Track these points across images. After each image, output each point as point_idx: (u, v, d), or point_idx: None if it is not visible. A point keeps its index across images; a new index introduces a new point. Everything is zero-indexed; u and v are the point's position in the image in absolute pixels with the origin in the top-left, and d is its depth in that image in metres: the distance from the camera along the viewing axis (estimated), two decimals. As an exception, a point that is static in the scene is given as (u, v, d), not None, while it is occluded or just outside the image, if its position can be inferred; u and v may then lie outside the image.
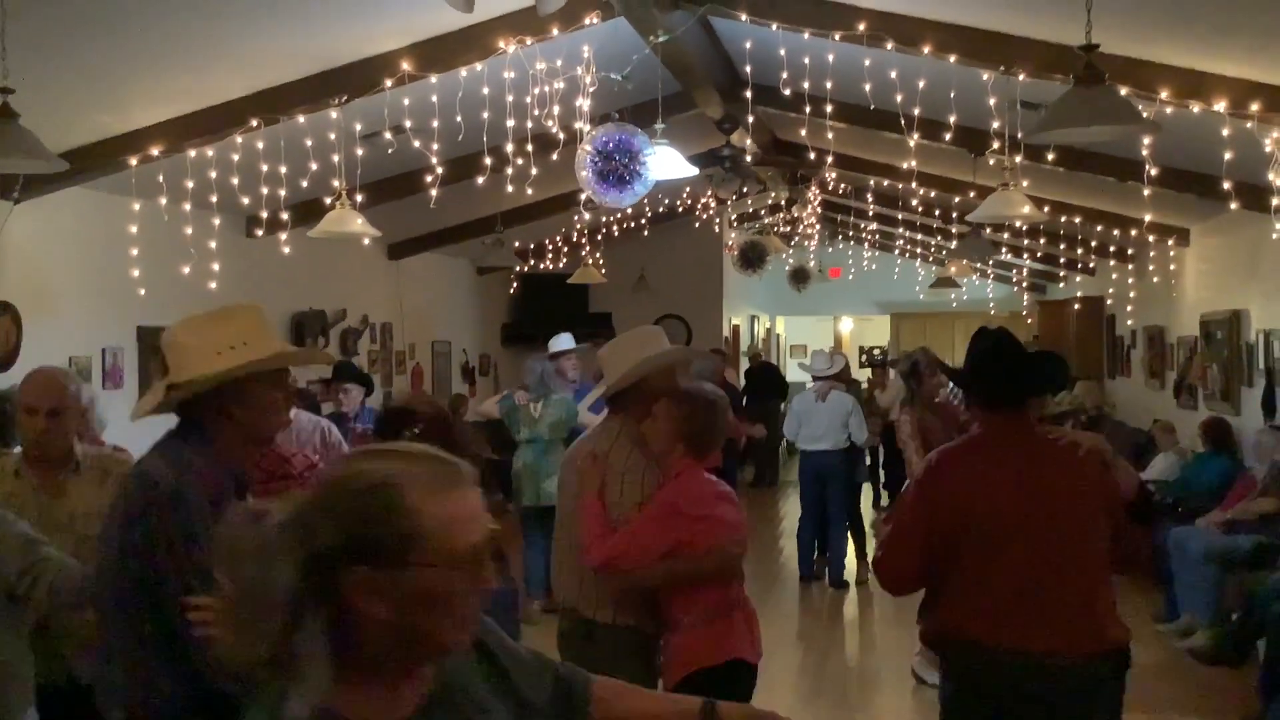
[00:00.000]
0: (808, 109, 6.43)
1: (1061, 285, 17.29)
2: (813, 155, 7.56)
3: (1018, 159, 6.73)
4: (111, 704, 2.74)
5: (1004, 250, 14.09)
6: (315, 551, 1.53)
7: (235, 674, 1.56)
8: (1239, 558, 7.41)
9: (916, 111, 6.20)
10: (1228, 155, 5.82)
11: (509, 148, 6.08)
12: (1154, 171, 6.39)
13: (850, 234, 17.73)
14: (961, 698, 3.40)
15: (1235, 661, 6.83)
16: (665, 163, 6.08)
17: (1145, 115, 4.36)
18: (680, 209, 12.81)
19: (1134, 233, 10.86)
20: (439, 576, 1.56)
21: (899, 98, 6.19)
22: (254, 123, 6.24)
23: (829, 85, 6.42)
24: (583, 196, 6.74)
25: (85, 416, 4.06)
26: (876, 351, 22.18)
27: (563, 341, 9.01)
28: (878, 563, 3.61)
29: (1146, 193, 6.87)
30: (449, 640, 1.63)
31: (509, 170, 6.31)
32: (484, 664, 1.82)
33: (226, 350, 2.88)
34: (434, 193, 6.84)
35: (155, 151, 6.39)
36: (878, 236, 17.28)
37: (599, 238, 13.02)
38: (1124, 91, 4.97)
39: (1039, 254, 13.63)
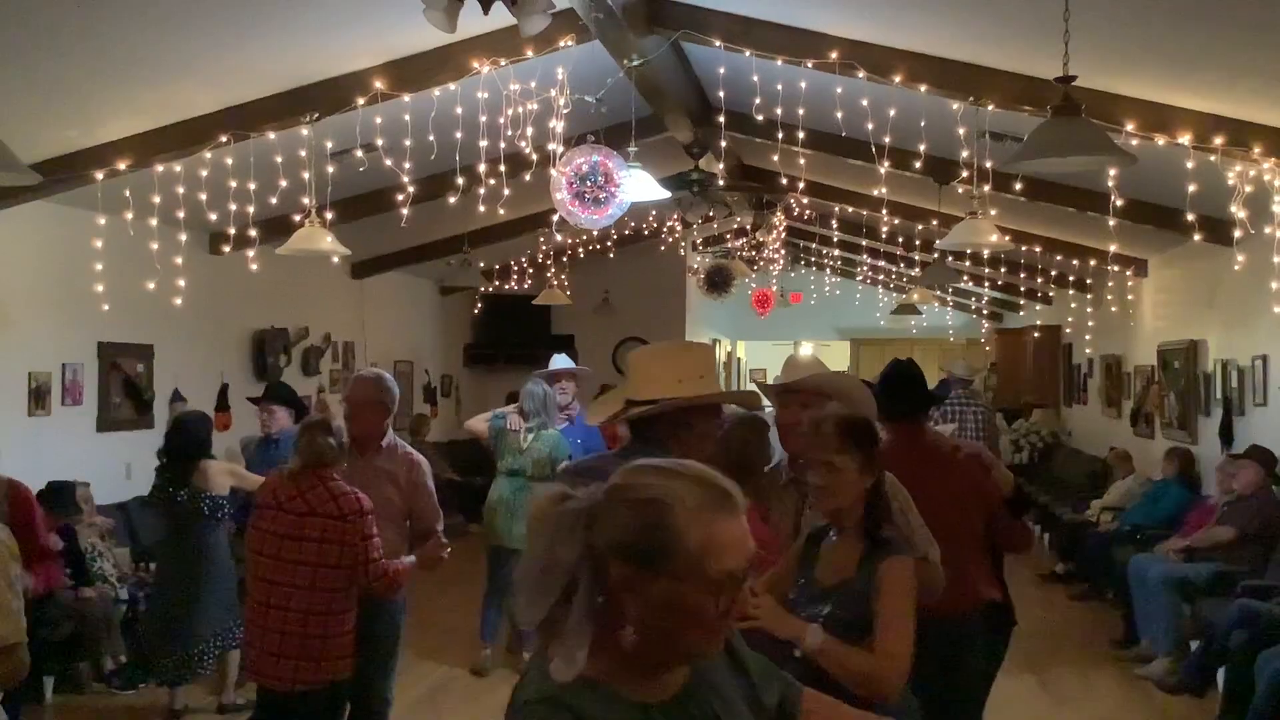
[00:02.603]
0: (779, 135, 6.48)
1: (1020, 314, 17.48)
2: (784, 180, 7.60)
3: (986, 188, 6.81)
4: None
5: (965, 278, 14.24)
6: (593, 541, 1.71)
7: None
8: (1198, 586, 7.49)
9: (887, 140, 6.26)
10: (1191, 188, 5.93)
11: (481, 167, 6.06)
12: (1119, 203, 6.48)
13: (813, 260, 17.83)
14: None
15: (1197, 691, 6.89)
16: (639, 185, 6.09)
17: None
18: (646, 232, 12.84)
19: (1093, 263, 11.02)
20: (688, 592, 1.68)
21: (870, 126, 6.25)
22: (224, 139, 6.20)
23: (800, 112, 6.47)
24: (554, 218, 6.74)
25: None
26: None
27: (560, 361, 8.25)
28: None
29: (1112, 223, 6.96)
30: (697, 648, 1.75)
31: (481, 190, 6.29)
32: (731, 661, 1.95)
33: (688, 380, 3.14)
34: (405, 211, 6.81)
35: (122, 166, 6.33)
36: (840, 262, 17.39)
37: (564, 259, 13.02)
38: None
39: (999, 282, 13.78)
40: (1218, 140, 5.62)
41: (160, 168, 6.47)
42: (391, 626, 5.13)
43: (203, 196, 6.56)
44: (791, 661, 2.78)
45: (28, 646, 3.08)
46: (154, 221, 6.62)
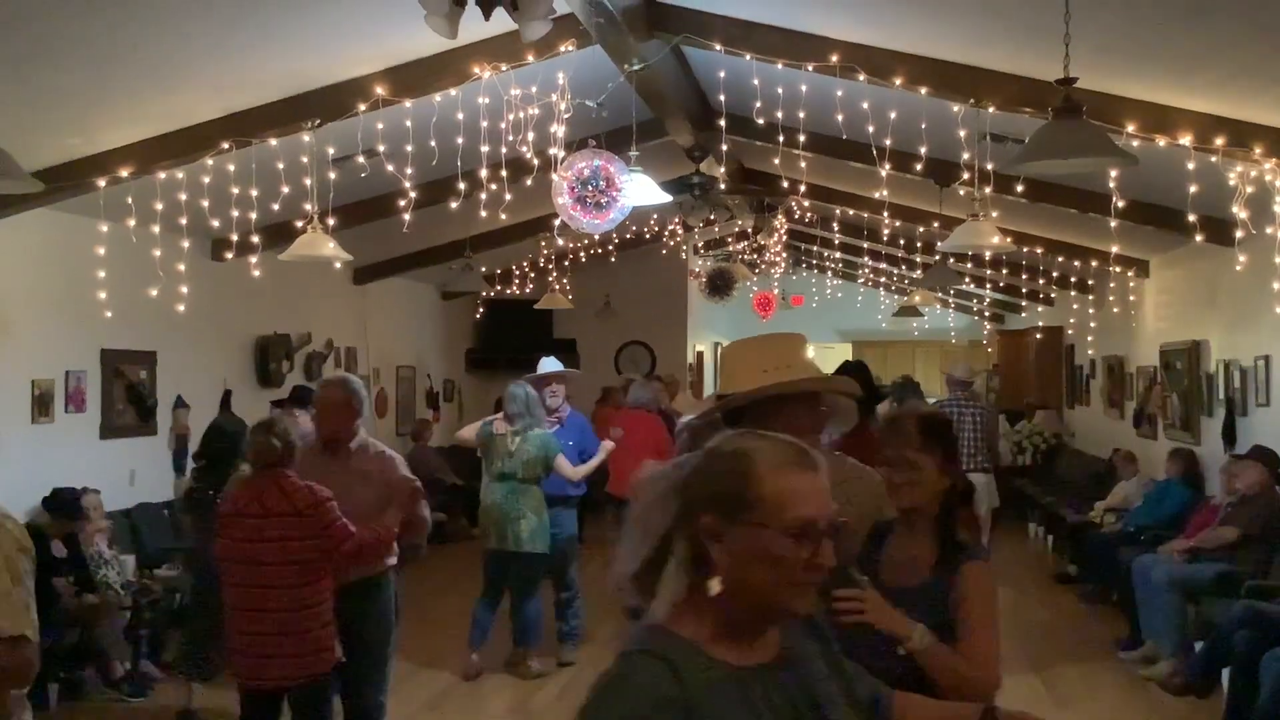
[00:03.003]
0: (780, 138, 6.48)
1: (1022, 315, 17.47)
2: (785, 184, 7.61)
3: (987, 190, 6.81)
4: None
5: (967, 280, 14.24)
6: (687, 499, 1.86)
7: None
8: (1202, 586, 7.49)
9: (888, 142, 6.27)
10: (1193, 189, 5.93)
11: (483, 173, 6.07)
12: (1121, 204, 6.49)
13: (814, 262, 17.85)
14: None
15: (1202, 692, 6.88)
16: (641, 189, 6.10)
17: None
18: (647, 235, 12.85)
19: (1094, 264, 11.02)
20: (769, 538, 1.81)
21: (871, 128, 6.26)
22: (226, 145, 6.20)
23: (801, 115, 6.48)
24: (556, 222, 6.74)
25: None
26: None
27: (548, 364, 8.18)
28: None
29: (1113, 224, 6.97)
30: (785, 603, 1.85)
31: (482, 195, 6.30)
32: (824, 649, 2.05)
33: (772, 370, 3.12)
34: (406, 217, 6.82)
35: (124, 173, 6.34)
36: (841, 265, 17.40)
37: (566, 263, 13.03)
38: (1093, 125, 5.06)
39: (1000, 284, 13.78)
40: (1219, 141, 5.63)
41: (162, 175, 6.48)
42: (379, 629, 5.18)
43: (205, 203, 6.58)
44: (893, 659, 2.76)
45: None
46: (156, 228, 6.63)
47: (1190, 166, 5.84)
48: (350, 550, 4.69)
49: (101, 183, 6.35)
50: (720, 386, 3.22)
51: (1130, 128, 5.63)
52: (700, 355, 18.40)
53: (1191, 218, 6.44)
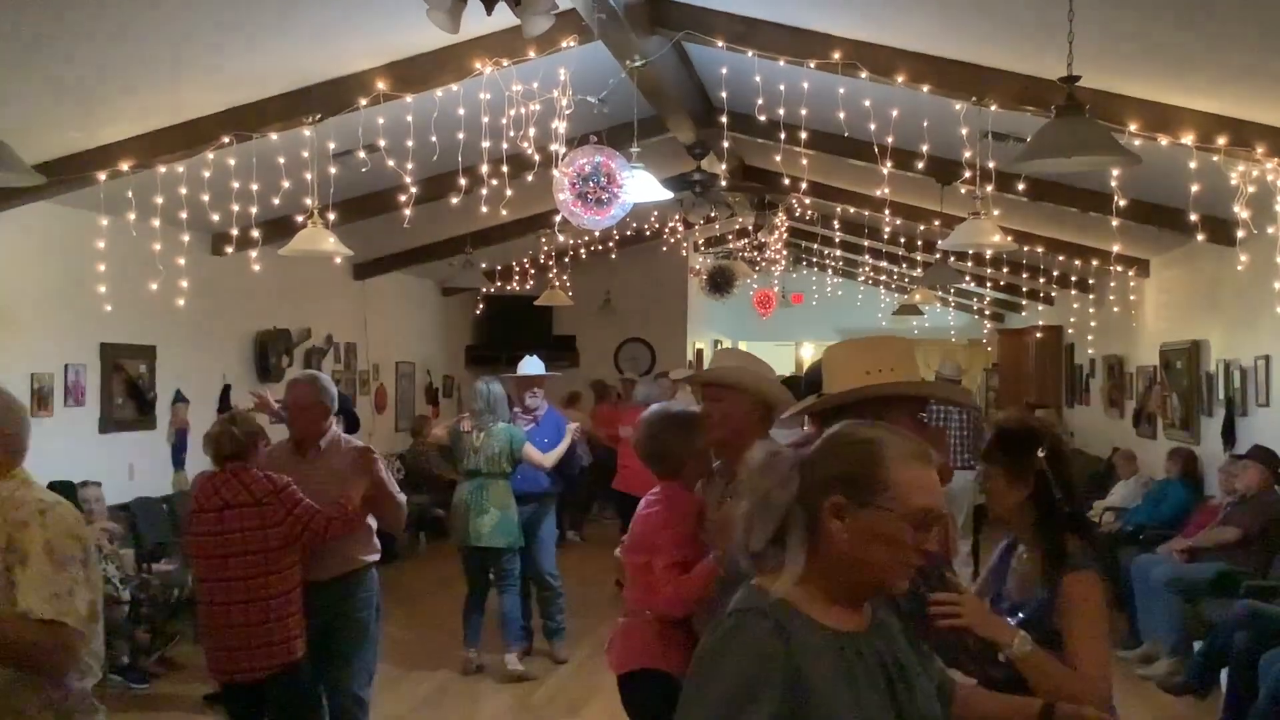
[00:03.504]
0: (782, 136, 6.47)
1: (1022, 314, 17.47)
2: (786, 181, 7.60)
3: (988, 188, 6.80)
4: None
5: (967, 279, 14.23)
6: (809, 481, 2.05)
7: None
8: (1201, 586, 7.48)
9: (889, 140, 6.25)
10: (1194, 188, 5.92)
11: (484, 168, 6.06)
12: (1122, 203, 6.48)
13: (815, 260, 17.84)
14: None
15: (1200, 691, 6.87)
16: (642, 186, 6.09)
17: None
18: (648, 232, 12.83)
19: (1095, 263, 11.01)
20: (891, 521, 2.00)
21: (872, 126, 6.25)
22: (226, 140, 6.20)
23: (803, 113, 6.47)
24: (557, 218, 6.74)
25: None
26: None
27: (530, 365, 8.08)
28: None
29: (1115, 223, 6.96)
30: (888, 579, 2.05)
31: (483, 191, 6.29)
32: (903, 625, 2.24)
33: (875, 372, 3.15)
34: (407, 212, 6.81)
35: (125, 167, 6.33)
36: (842, 263, 17.39)
37: (566, 260, 13.02)
38: (1096, 124, 5.05)
39: (1001, 283, 13.77)
40: (1220, 140, 5.62)
41: (163, 169, 6.47)
42: (358, 624, 5.11)
43: (205, 197, 6.57)
44: (993, 664, 2.79)
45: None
46: (156, 222, 6.63)
47: (1192, 166, 5.84)
48: (319, 528, 4.67)
49: (102, 176, 6.34)
50: (824, 387, 3.26)
51: (1132, 126, 5.63)
52: (700, 353, 18.39)
53: (1193, 217, 6.43)
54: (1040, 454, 3.03)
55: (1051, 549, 2.99)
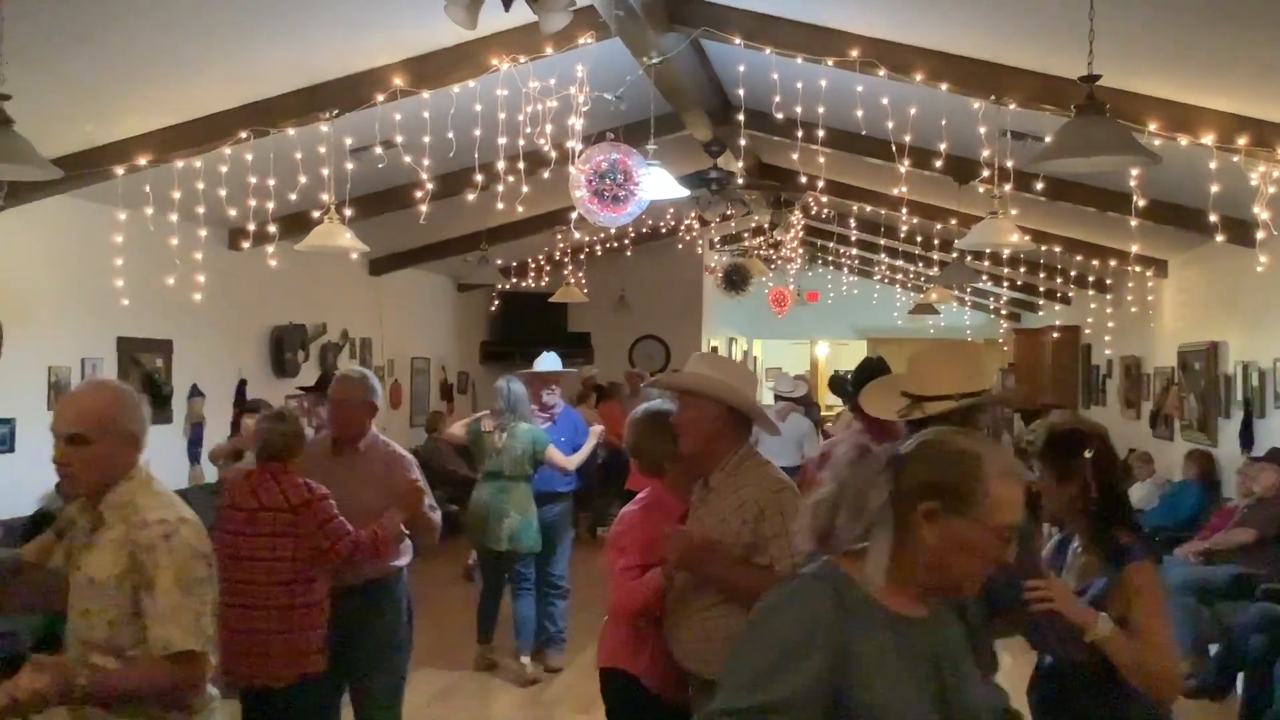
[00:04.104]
0: (799, 134, 6.45)
1: (1039, 314, 17.39)
2: (803, 179, 7.58)
3: (1006, 187, 6.77)
4: None
5: (984, 278, 14.17)
6: (902, 485, 2.13)
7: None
8: (1217, 589, 7.44)
9: (907, 138, 6.23)
10: (1214, 189, 5.88)
11: (500, 165, 6.06)
12: (1141, 203, 6.44)
13: (830, 259, 17.79)
14: None
15: (1216, 694, 6.84)
16: (658, 183, 6.08)
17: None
18: (663, 230, 12.82)
19: (1113, 263, 10.96)
20: (979, 533, 2.08)
21: (890, 124, 6.23)
22: (244, 135, 6.21)
23: (821, 111, 6.45)
24: (573, 215, 6.73)
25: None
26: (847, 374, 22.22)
27: (547, 361, 7.94)
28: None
29: (1134, 224, 6.92)
30: (964, 585, 2.15)
31: (499, 187, 6.29)
32: (966, 631, 2.32)
33: (964, 380, 3.37)
34: (424, 208, 6.81)
35: (142, 161, 6.34)
36: (858, 262, 17.35)
37: (581, 257, 13.01)
38: (1115, 123, 5.02)
39: (1018, 282, 13.71)
40: (1241, 141, 5.58)
41: (180, 163, 6.48)
42: (388, 635, 4.94)
43: (222, 192, 6.58)
44: (1080, 646, 3.03)
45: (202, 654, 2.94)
46: (174, 217, 6.64)
47: (1212, 166, 5.80)
48: (344, 551, 4.48)
49: (120, 171, 6.36)
50: (915, 388, 3.44)
51: (1152, 126, 5.59)
52: (715, 350, 18.37)
53: (1212, 218, 6.38)
54: (1087, 455, 3.20)
55: (1105, 543, 3.18)
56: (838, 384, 7.45)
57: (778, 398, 10.62)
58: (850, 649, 2.05)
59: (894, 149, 6.31)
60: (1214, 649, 7.13)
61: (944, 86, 5.82)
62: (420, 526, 4.87)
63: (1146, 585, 3.08)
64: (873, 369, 4.99)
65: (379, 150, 6.40)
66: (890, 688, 2.06)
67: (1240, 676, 6.57)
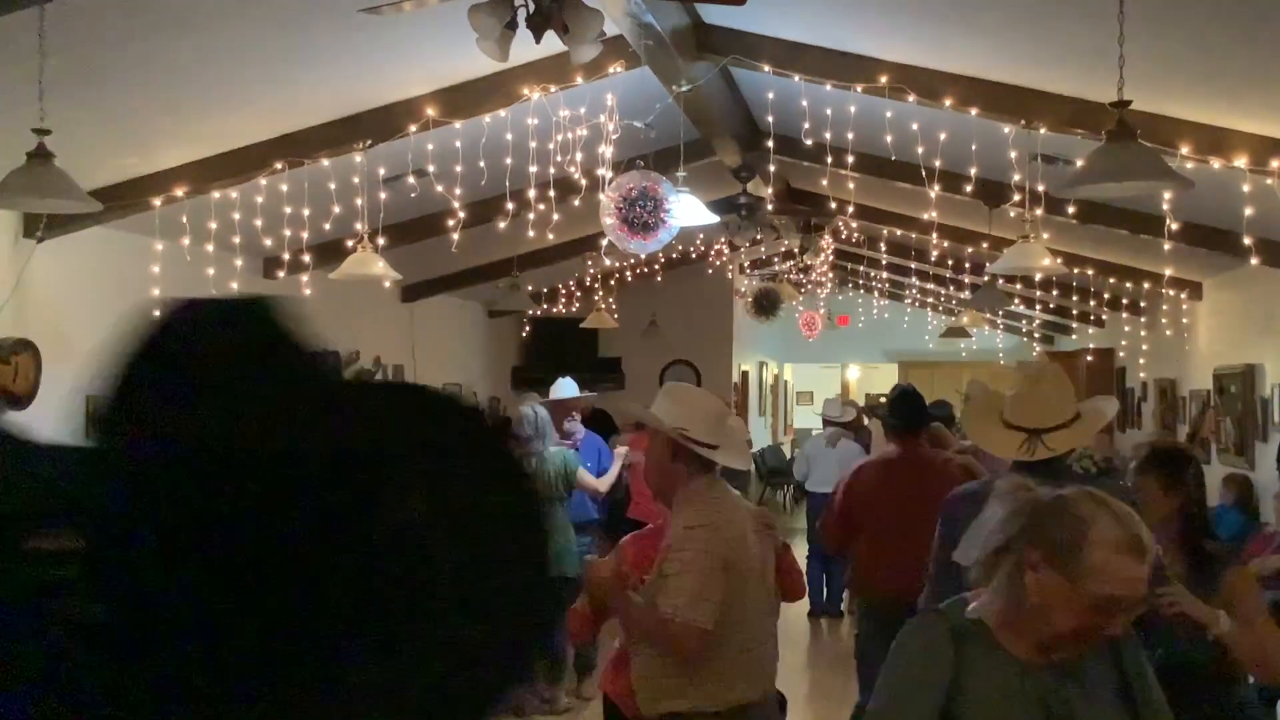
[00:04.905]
0: (828, 159, 6.47)
1: (1073, 337, 17.28)
2: (833, 204, 7.59)
3: (1038, 211, 6.75)
4: None
5: (1016, 301, 14.11)
6: (1025, 527, 2.21)
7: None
8: (1257, 614, 7.34)
9: (937, 164, 6.23)
10: (1248, 211, 5.84)
11: (531, 192, 6.11)
12: (1174, 226, 6.41)
13: (860, 282, 17.77)
14: (866, 622, 5.86)
15: (1256, 721, 6.74)
16: (688, 210, 6.11)
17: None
18: (693, 255, 12.85)
19: (1146, 286, 10.88)
20: (1076, 596, 2.12)
21: (920, 150, 6.23)
22: (279, 166, 6.29)
23: (850, 136, 6.46)
24: (603, 241, 6.77)
25: None
26: (882, 399, 22.14)
27: (565, 388, 7.97)
28: (820, 527, 6.33)
29: (1167, 247, 6.87)
30: (1066, 643, 2.19)
31: (530, 215, 6.34)
32: (1118, 677, 2.32)
33: (1064, 408, 3.66)
34: (455, 236, 6.87)
35: (180, 193, 6.43)
36: (888, 285, 17.31)
37: (612, 282, 13.05)
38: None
39: (1050, 305, 13.63)
40: (1274, 163, 5.54)
41: (217, 194, 6.57)
42: None
43: (258, 222, 6.66)
44: (1206, 643, 3.30)
45: None
46: (210, 247, 6.73)
47: (1245, 189, 5.76)
48: None
49: (157, 202, 6.45)
50: (1027, 422, 3.64)
51: (1184, 149, 5.56)
52: (745, 375, 18.35)
53: (1247, 240, 6.34)
54: (1190, 471, 3.58)
55: (1198, 552, 3.49)
56: (873, 411, 7.58)
57: (826, 423, 10.60)
58: (960, 686, 2.19)
59: (924, 173, 6.31)
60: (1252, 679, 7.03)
61: (974, 111, 5.82)
62: None
63: (1249, 585, 3.45)
64: (912, 399, 5.64)
65: (412, 179, 6.46)
66: None
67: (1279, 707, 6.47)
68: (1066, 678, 2.23)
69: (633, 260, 12.42)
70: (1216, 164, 5.66)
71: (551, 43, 3.99)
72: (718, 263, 13.21)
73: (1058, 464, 3.61)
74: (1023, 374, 3.91)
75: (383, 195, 6.55)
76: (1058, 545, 2.15)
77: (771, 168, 6.99)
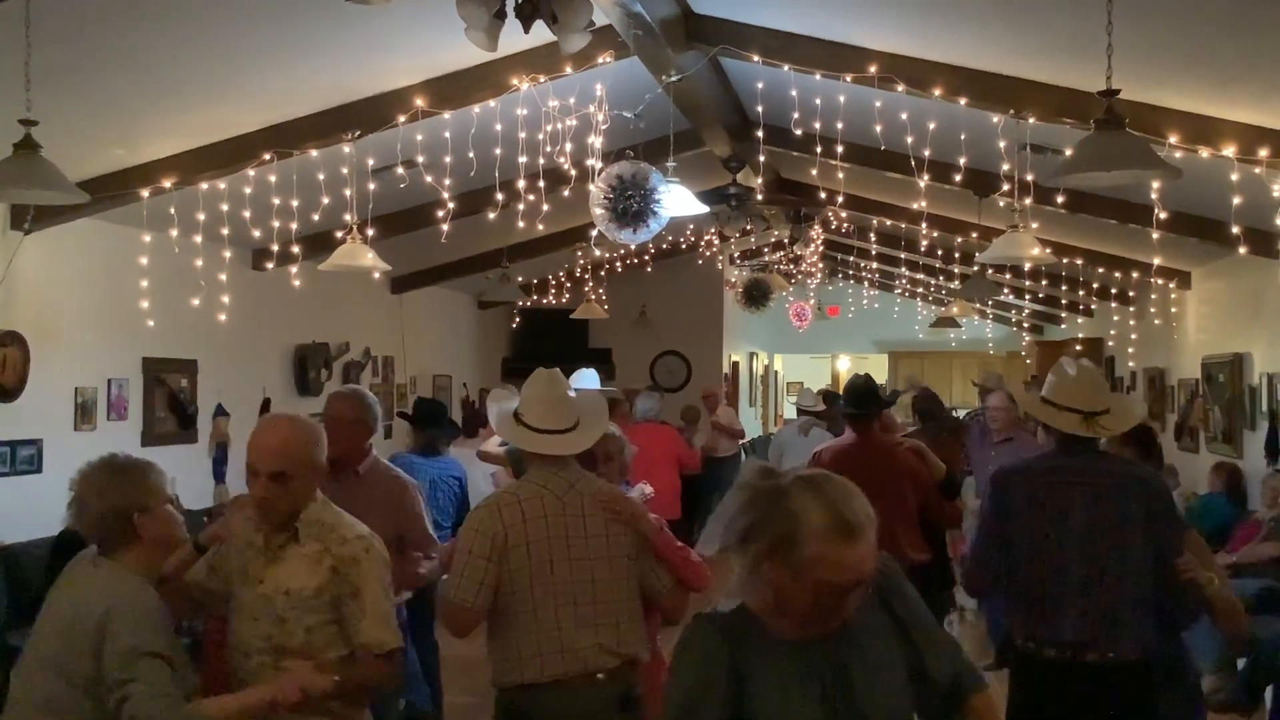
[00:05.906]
0: (818, 149, 6.47)
1: (1062, 326, 17.33)
2: (822, 194, 7.58)
3: (1027, 201, 6.76)
4: None
5: (1005, 291, 14.14)
6: (750, 521, 2.24)
7: None
8: (1245, 603, 7.34)
9: (926, 153, 6.23)
10: (1236, 200, 5.86)
11: (521, 183, 6.09)
12: (1162, 215, 6.42)
13: (850, 273, 17.78)
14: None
15: (1246, 709, 6.77)
16: (678, 200, 6.10)
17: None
18: (683, 246, 12.85)
19: (1135, 275, 10.91)
20: (796, 584, 2.18)
21: (909, 139, 6.23)
22: (267, 157, 6.27)
23: (839, 126, 6.46)
24: (593, 232, 6.76)
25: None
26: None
27: (585, 379, 7.66)
28: None
29: (1155, 236, 6.89)
30: (812, 621, 2.23)
31: (520, 206, 6.32)
32: (895, 626, 2.39)
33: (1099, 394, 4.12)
34: (445, 227, 6.85)
35: (167, 184, 6.41)
36: (878, 276, 17.32)
37: (602, 273, 13.05)
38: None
39: (1040, 295, 13.66)
40: (1262, 153, 5.55)
41: (205, 185, 6.55)
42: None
43: (246, 214, 6.64)
44: (1202, 599, 3.95)
45: None
46: (198, 238, 6.71)
47: (1234, 178, 5.77)
48: None
49: (145, 193, 6.42)
50: (1082, 404, 4.03)
51: (1172, 139, 5.58)
52: (736, 365, 18.36)
53: (1235, 229, 6.35)
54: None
55: None
56: (829, 400, 7.66)
57: (800, 412, 10.66)
58: (743, 681, 2.23)
59: (913, 163, 6.31)
60: (1241, 663, 7.07)
61: (963, 101, 5.82)
62: (410, 583, 4.86)
63: (1204, 547, 4.34)
64: (867, 389, 5.94)
65: (401, 170, 6.44)
66: (777, 713, 2.23)
67: (1269, 691, 6.51)
68: (840, 644, 2.28)
69: (623, 251, 12.41)
70: (1205, 153, 5.67)
71: (540, 33, 3.98)
72: (708, 253, 13.21)
73: (1094, 442, 4.09)
74: (1061, 369, 4.18)
75: (372, 186, 6.54)
76: (777, 540, 2.19)
77: (761, 158, 6.97)
